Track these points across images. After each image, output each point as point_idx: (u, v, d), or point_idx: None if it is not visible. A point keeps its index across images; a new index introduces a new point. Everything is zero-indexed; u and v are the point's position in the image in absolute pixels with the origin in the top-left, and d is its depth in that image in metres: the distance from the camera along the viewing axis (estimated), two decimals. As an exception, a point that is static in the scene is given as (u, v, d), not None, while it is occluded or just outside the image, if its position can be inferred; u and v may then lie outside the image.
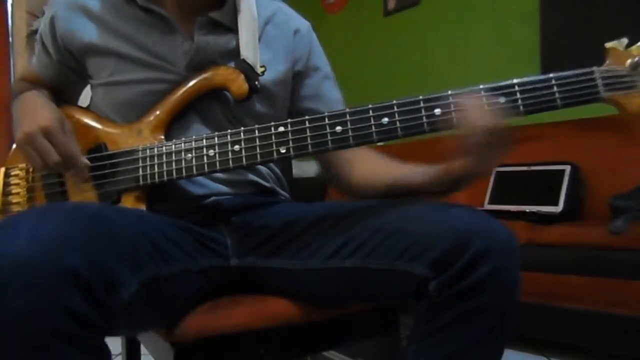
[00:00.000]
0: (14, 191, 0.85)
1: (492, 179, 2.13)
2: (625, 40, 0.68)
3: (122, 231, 0.58)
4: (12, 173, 0.86)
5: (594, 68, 0.67)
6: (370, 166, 0.87)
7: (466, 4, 2.73)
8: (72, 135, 0.77)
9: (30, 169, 0.85)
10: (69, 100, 0.95)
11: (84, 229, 0.52)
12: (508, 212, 1.94)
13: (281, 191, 0.94)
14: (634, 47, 0.68)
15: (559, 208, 1.85)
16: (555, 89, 0.66)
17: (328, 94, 0.95)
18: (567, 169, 1.93)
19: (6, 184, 0.86)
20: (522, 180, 2.05)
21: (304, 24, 0.96)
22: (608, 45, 0.68)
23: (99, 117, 0.85)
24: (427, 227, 0.64)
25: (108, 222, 0.56)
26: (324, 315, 0.78)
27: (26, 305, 0.46)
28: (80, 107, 0.89)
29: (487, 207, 2.07)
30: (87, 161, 0.77)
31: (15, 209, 0.84)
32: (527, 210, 1.89)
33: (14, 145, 0.86)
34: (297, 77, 0.93)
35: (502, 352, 0.65)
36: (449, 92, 0.67)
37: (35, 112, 0.77)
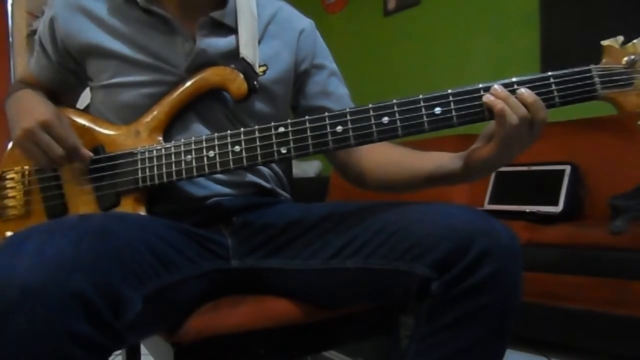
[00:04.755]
0: (10, 195, 0.84)
1: (492, 178, 2.13)
2: (621, 38, 0.69)
3: (126, 246, 0.58)
4: (8, 176, 0.85)
5: (591, 66, 0.67)
6: (403, 159, 0.84)
7: (466, 3, 2.73)
8: (71, 128, 0.76)
9: (26, 172, 0.84)
10: (67, 103, 0.94)
11: (89, 250, 0.51)
12: (508, 212, 1.93)
13: (282, 191, 0.94)
14: (629, 45, 0.68)
15: (559, 208, 1.85)
16: (553, 87, 0.66)
17: (335, 91, 0.94)
18: (567, 169, 1.92)
19: (1, 188, 0.84)
20: (522, 180, 2.05)
21: (307, 23, 0.95)
22: (604, 43, 0.69)
23: (95, 119, 0.84)
24: (429, 227, 0.64)
25: (112, 238, 0.56)
26: (324, 315, 0.78)
27: (32, 330, 0.46)
28: (76, 109, 0.88)
29: (487, 207, 2.07)
30: (89, 152, 0.76)
31: (12, 212, 0.83)
32: (527, 210, 1.89)
33: (9, 147, 0.86)
34: (304, 76, 0.93)
35: (503, 352, 0.65)
36: (449, 91, 0.67)
37: (31, 108, 0.76)
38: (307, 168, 3.21)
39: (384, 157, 0.86)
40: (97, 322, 0.49)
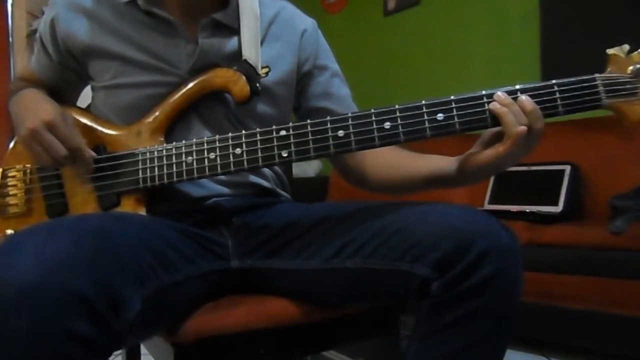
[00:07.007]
0: (11, 192, 0.84)
1: (492, 178, 2.13)
2: (626, 47, 0.68)
3: (126, 246, 0.57)
4: (9, 174, 0.85)
5: (596, 75, 0.66)
6: (402, 162, 0.85)
7: (466, 4, 2.73)
8: (75, 128, 0.76)
9: (28, 170, 0.84)
10: (68, 101, 0.94)
11: (88, 249, 0.51)
12: (508, 212, 1.94)
13: (282, 192, 0.94)
14: (635, 54, 0.67)
15: (559, 208, 1.85)
16: (557, 95, 0.66)
17: (337, 92, 0.94)
18: (567, 169, 1.93)
19: (3, 185, 0.85)
20: (522, 180, 2.05)
21: (309, 23, 0.95)
22: (610, 51, 0.68)
23: (96, 118, 0.84)
24: (429, 227, 0.64)
25: (112, 238, 0.56)
26: (324, 315, 0.78)
27: (31, 330, 0.46)
28: (78, 108, 0.88)
29: (487, 207, 2.08)
30: (93, 153, 0.77)
31: (13, 210, 0.83)
32: (527, 210, 1.89)
33: (11, 146, 0.86)
34: (306, 76, 0.93)
35: (503, 352, 0.65)
36: (452, 97, 0.67)
37: (36, 107, 0.76)
38: (307, 168, 3.20)
39: (384, 160, 0.86)
40: (96, 321, 0.49)
